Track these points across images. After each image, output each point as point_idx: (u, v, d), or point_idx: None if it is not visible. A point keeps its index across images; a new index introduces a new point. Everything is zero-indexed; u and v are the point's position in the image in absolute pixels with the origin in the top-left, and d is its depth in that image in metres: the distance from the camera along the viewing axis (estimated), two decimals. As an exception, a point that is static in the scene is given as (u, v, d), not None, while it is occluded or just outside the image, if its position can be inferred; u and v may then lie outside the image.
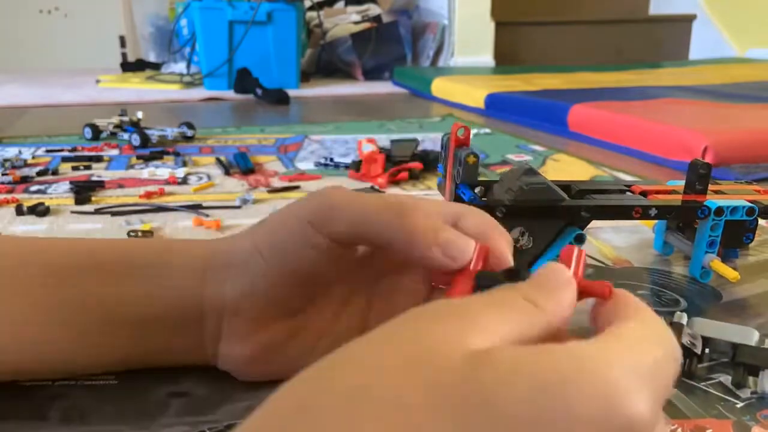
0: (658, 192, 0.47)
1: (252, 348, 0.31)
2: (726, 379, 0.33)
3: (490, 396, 0.16)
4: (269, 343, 0.31)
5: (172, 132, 1.06)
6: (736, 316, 0.42)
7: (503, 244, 0.27)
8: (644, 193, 0.47)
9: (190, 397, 0.32)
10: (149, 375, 0.33)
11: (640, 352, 0.18)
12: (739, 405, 0.31)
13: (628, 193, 0.47)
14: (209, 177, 0.82)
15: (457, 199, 0.43)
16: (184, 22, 2.13)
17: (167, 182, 0.79)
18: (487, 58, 2.31)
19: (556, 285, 0.21)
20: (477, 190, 0.43)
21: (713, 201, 0.45)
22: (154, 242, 0.36)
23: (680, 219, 0.49)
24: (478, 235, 0.27)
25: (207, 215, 0.66)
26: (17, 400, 0.31)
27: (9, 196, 0.71)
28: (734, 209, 0.45)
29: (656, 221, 0.53)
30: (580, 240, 0.42)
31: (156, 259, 0.32)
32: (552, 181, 0.44)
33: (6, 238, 0.38)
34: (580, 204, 0.43)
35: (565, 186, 0.46)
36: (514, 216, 0.41)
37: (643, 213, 0.44)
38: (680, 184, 0.48)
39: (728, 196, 0.47)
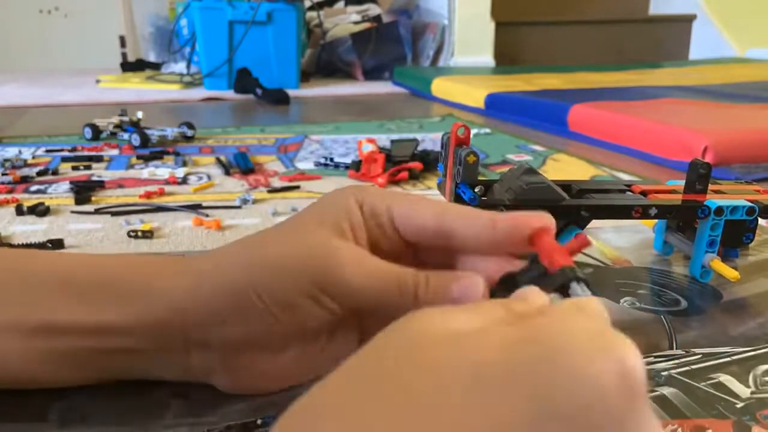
0: (658, 192, 0.47)
1: (250, 375, 0.30)
2: (726, 379, 0.33)
3: (495, 368, 0.17)
4: (267, 370, 0.30)
5: (172, 132, 1.06)
6: (736, 316, 0.42)
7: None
8: (644, 193, 0.47)
9: (190, 398, 0.32)
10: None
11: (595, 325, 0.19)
12: (739, 405, 0.31)
13: (628, 193, 0.48)
14: (209, 177, 0.82)
15: (457, 198, 0.43)
16: (184, 22, 2.13)
17: (167, 182, 0.79)
18: (487, 58, 2.31)
19: (536, 296, 0.23)
20: (477, 189, 0.43)
21: (713, 201, 0.45)
22: (131, 265, 0.32)
23: (680, 219, 0.50)
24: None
25: (207, 215, 0.66)
26: (16, 402, 0.31)
27: (9, 196, 0.71)
28: (734, 209, 0.45)
29: (656, 221, 0.53)
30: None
31: (137, 285, 0.29)
32: (552, 180, 0.44)
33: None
34: (580, 203, 0.43)
35: (566, 185, 0.46)
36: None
37: (643, 212, 0.44)
38: (680, 183, 0.48)
39: (728, 196, 0.47)
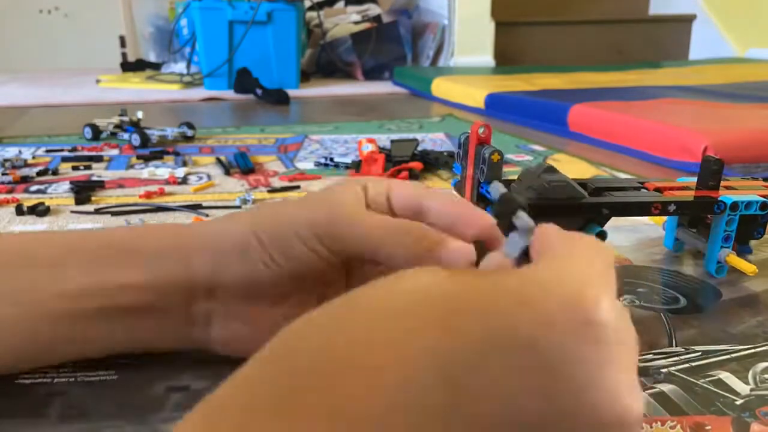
0: (671, 188, 0.48)
1: (250, 328, 0.31)
2: (726, 376, 0.34)
3: (474, 306, 0.18)
4: (267, 322, 0.31)
5: (172, 132, 1.06)
6: (735, 314, 0.42)
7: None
8: (658, 190, 0.48)
9: (189, 392, 0.32)
10: (148, 370, 0.33)
11: (588, 264, 0.20)
12: (739, 402, 0.31)
13: (643, 190, 0.48)
14: (209, 177, 0.82)
15: (481, 198, 0.43)
16: (184, 22, 2.13)
17: (167, 182, 0.79)
18: (487, 58, 2.31)
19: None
20: None
21: (728, 196, 0.46)
22: (132, 229, 0.35)
23: (697, 214, 0.50)
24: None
25: (207, 215, 0.66)
26: (15, 397, 0.31)
27: (9, 196, 0.72)
28: (749, 204, 0.46)
29: (666, 219, 0.54)
30: (601, 237, 0.43)
31: (140, 245, 0.32)
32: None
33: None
34: (602, 201, 0.43)
35: (582, 184, 0.46)
36: (536, 214, 0.41)
37: (663, 209, 0.45)
38: (691, 180, 0.49)
39: (740, 192, 0.48)
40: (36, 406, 0.30)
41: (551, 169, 0.43)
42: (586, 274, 0.19)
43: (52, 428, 0.29)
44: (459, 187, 0.47)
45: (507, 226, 0.24)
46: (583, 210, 0.43)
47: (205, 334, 0.32)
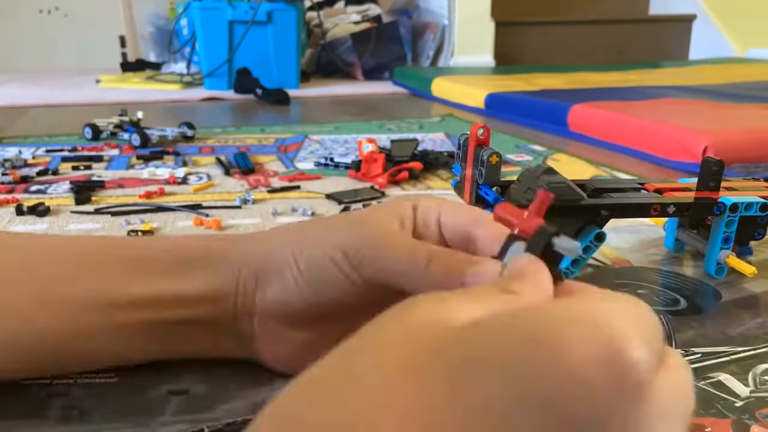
0: (671, 190, 0.48)
1: (288, 347, 0.32)
2: (726, 378, 0.33)
3: (484, 350, 0.16)
4: (303, 343, 0.31)
5: (172, 132, 1.06)
6: (735, 316, 0.42)
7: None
8: (658, 191, 0.48)
9: (190, 395, 0.32)
10: (149, 372, 0.33)
11: (626, 307, 0.18)
12: (738, 404, 0.31)
13: (643, 192, 0.48)
14: (209, 177, 0.82)
15: (480, 199, 0.43)
16: (184, 22, 2.13)
17: (167, 182, 0.79)
18: (487, 58, 2.31)
19: (531, 270, 0.21)
20: (493, 190, 0.43)
21: (728, 198, 0.46)
22: (182, 241, 0.34)
23: (697, 216, 0.50)
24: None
25: (207, 215, 0.66)
26: (15, 399, 0.31)
27: (9, 196, 0.72)
28: (749, 205, 0.46)
29: (666, 219, 0.54)
30: (599, 239, 0.43)
31: (193, 259, 0.32)
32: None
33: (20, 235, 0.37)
34: (599, 203, 0.43)
35: (581, 185, 0.46)
36: None
37: (662, 210, 0.45)
38: (691, 181, 0.49)
39: (740, 193, 0.48)
40: (36, 408, 0.30)
41: (550, 170, 0.43)
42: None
43: (52, 430, 0.29)
44: (458, 188, 0.47)
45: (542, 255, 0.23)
46: (582, 211, 0.43)
47: (248, 350, 0.32)
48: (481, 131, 0.43)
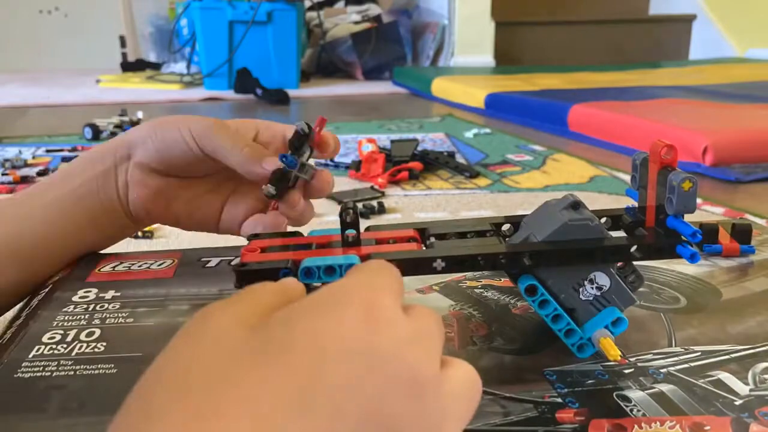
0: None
1: (148, 191, 0.42)
2: (725, 376, 0.34)
3: (273, 339, 0.19)
4: (158, 189, 0.42)
5: (172, 132, 1.06)
6: (735, 314, 0.42)
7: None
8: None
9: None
10: (147, 363, 0.33)
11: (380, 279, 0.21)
12: (738, 402, 0.31)
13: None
14: (209, 176, 0.82)
15: (670, 233, 0.30)
16: (184, 22, 2.13)
17: (167, 182, 0.79)
18: (487, 58, 2.32)
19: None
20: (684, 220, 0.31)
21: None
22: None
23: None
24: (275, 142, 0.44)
25: (207, 214, 0.65)
26: (15, 391, 0.31)
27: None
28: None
29: None
30: (530, 291, 0.31)
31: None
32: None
33: None
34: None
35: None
36: None
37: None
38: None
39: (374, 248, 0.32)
40: (35, 400, 0.30)
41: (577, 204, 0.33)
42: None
43: (52, 422, 0.29)
44: (636, 214, 0.37)
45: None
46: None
47: (125, 200, 0.42)
48: (666, 152, 0.31)
